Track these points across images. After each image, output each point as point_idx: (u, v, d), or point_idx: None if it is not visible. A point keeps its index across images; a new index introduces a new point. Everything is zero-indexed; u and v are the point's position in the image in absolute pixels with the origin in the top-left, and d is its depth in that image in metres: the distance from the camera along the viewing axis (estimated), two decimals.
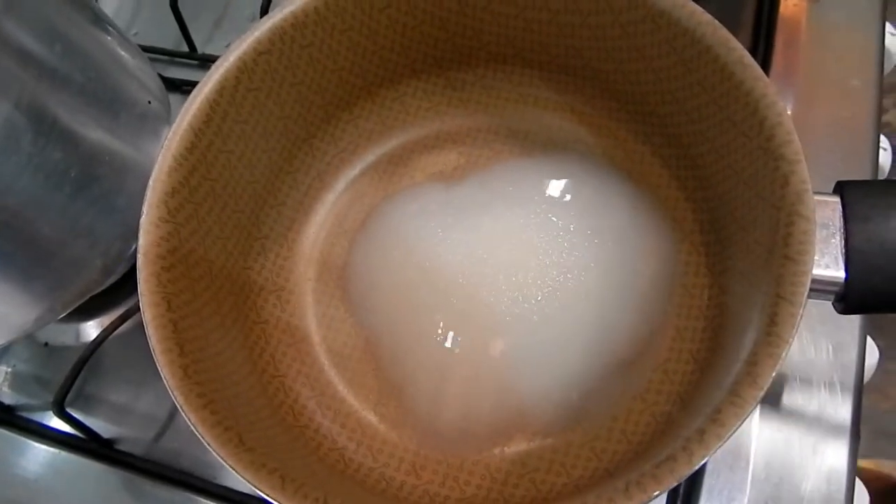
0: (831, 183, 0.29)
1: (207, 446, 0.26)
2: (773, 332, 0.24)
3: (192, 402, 0.27)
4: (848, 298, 0.27)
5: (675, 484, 0.23)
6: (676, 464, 0.23)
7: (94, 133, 0.39)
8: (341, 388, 0.37)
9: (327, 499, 0.25)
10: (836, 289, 0.27)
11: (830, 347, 0.38)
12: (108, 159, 0.40)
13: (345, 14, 0.36)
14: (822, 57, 0.46)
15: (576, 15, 0.35)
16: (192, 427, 0.27)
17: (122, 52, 0.42)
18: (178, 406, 0.27)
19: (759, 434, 0.37)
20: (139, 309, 0.44)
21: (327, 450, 0.34)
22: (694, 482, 0.36)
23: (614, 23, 0.34)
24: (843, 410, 0.37)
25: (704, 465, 0.36)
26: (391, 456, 0.35)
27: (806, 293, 0.25)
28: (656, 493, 0.23)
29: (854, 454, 0.36)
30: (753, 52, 0.46)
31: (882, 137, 0.45)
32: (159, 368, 0.28)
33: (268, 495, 0.25)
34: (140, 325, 0.46)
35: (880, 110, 0.44)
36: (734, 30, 0.30)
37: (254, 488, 0.26)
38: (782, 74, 0.46)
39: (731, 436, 0.23)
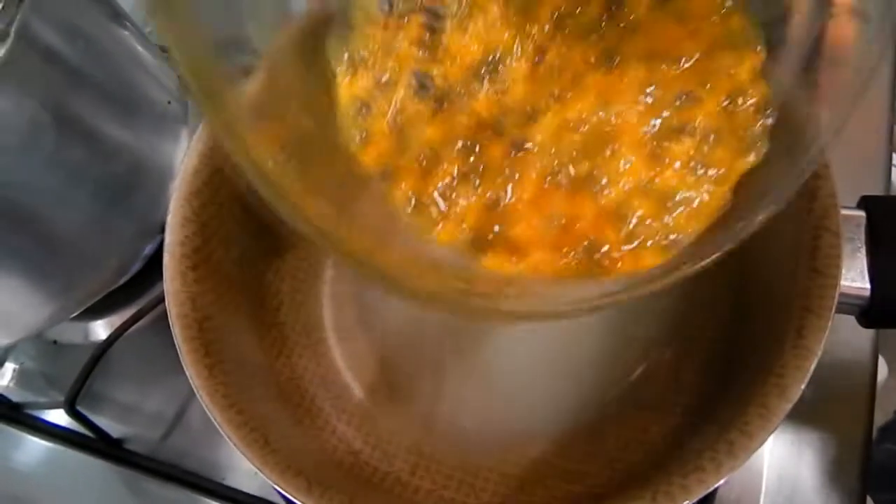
0: (845, 197, 0.30)
1: (234, 447, 0.26)
2: (800, 344, 0.25)
3: (217, 402, 0.27)
4: (872, 312, 0.27)
5: (703, 494, 0.23)
6: (705, 474, 0.23)
7: (115, 132, 0.39)
8: (357, 392, 0.37)
9: (352, 502, 0.25)
10: (861, 302, 0.27)
11: (842, 362, 0.38)
12: (126, 158, 0.40)
13: None
14: (833, 73, 0.46)
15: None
16: (218, 427, 0.27)
17: (143, 52, 0.42)
18: (204, 406, 0.27)
19: (772, 448, 0.37)
20: (151, 309, 0.44)
21: (343, 453, 0.34)
22: (707, 495, 0.36)
23: None
24: (855, 424, 0.37)
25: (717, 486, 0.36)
26: (406, 461, 0.35)
27: (834, 306, 0.25)
28: (686, 502, 0.23)
29: (866, 467, 0.36)
30: None
31: (895, 155, 0.45)
32: (185, 367, 0.28)
33: (294, 497, 0.25)
34: (149, 326, 0.47)
35: (893, 126, 0.44)
36: None
37: (278, 489, 0.26)
38: None
39: (758, 448, 0.24)
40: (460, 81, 0.22)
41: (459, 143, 0.22)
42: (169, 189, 0.42)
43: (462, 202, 0.22)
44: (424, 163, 0.22)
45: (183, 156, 0.33)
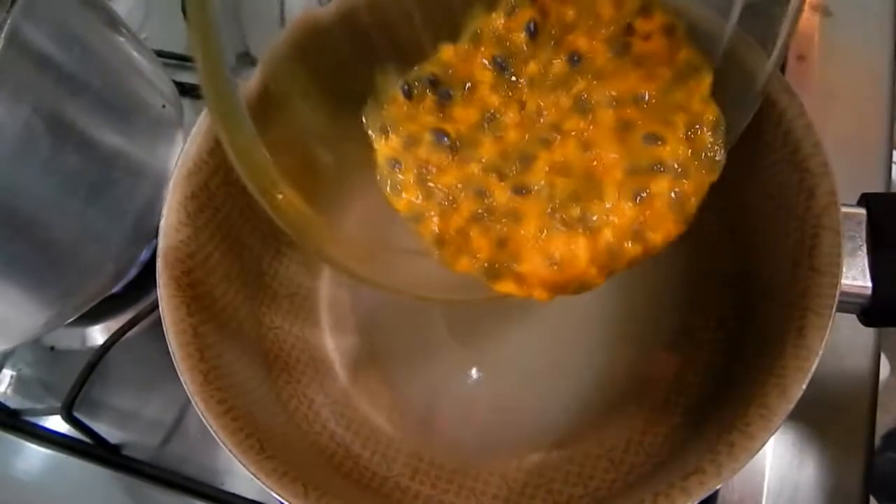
0: (845, 196, 0.29)
1: (230, 453, 0.26)
2: (801, 344, 0.24)
3: (212, 409, 0.27)
4: (874, 311, 0.27)
5: (703, 496, 0.23)
6: (706, 476, 0.23)
7: (110, 137, 0.39)
8: (355, 396, 0.37)
9: None
10: (862, 301, 0.27)
11: (844, 361, 0.38)
12: (122, 163, 0.40)
13: None
14: (834, 71, 0.46)
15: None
16: (213, 434, 0.26)
17: (137, 56, 0.42)
18: (199, 413, 0.27)
19: (774, 449, 0.37)
20: (148, 314, 0.44)
21: (342, 458, 0.34)
22: (708, 497, 0.36)
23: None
24: (856, 425, 0.37)
25: (718, 487, 0.36)
26: (406, 465, 0.34)
27: (835, 305, 0.25)
28: None
29: (868, 468, 0.36)
30: None
31: (895, 152, 0.45)
32: (179, 374, 0.28)
33: (291, 503, 0.25)
34: (146, 331, 0.46)
35: (893, 124, 0.44)
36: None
37: (274, 496, 0.26)
38: (795, 88, 0.46)
39: (759, 449, 0.23)
40: (467, 133, 0.28)
41: (472, 190, 0.27)
42: (164, 193, 0.41)
43: (477, 239, 0.26)
44: (446, 207, 0.27)
45: (177, 159, 0.32)
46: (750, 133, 0.30)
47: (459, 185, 0.27)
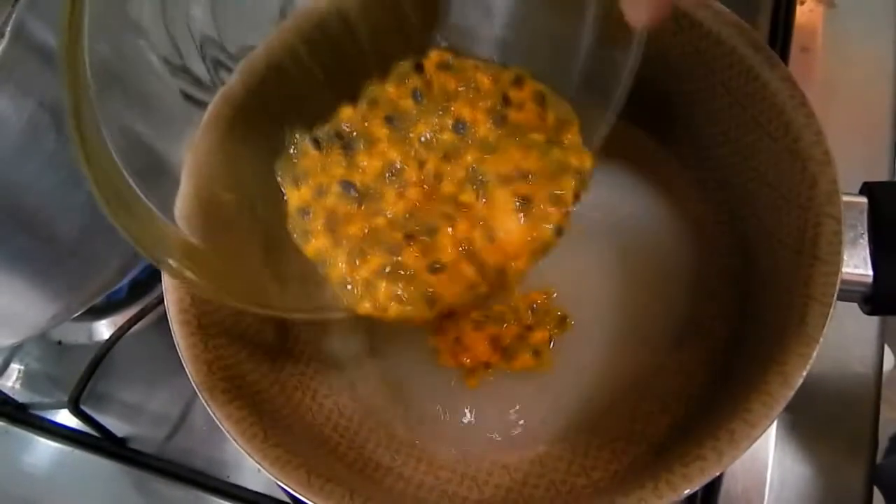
0: (849, 186, 0.29)
1: (234, 441, 0.26)
2: (803, 331, 0.24)
3: (217, 398, 0.27)
4: (875, 299, 0.27)
5: (704, 482, 0.23)
6: (706, 463, 0.23)
7: None
8: (359, 388, 0.37)
9: (353, 495, 0.25)
10: (863, 289, 0.27)
11: (848, 352, 0.38)
12: None
13: None
14: (839, 62, 0.46)
15: None
16: (217, 422, 0.27)
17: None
18: (203, 402, 0.27)
19: (776, 447, 0.37)
20: (153, 308, 0.44)
21: (346, 448, 0.34)
22: (709, 500, 0.36)
23: None
24: (859, 422, 0.37)
25: (722, 479, 0.36)
26: (409, 455, 0.35)
27: (836, 293, 0.25)
28: (687, 491, 0.23)
29: (871, 467, 0.36)
30: None
31: None
32: (184, 364, 0.28)
33: (294, 491, 0.25)
34: (152, 325, 0.47)
35: None
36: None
37: (279, 483, 0.26)
38: (798, 80, 0.46)
39: (760, 436, 0.23)
40: (373, 185, 0.31)
41: (381, 245, 0.29)
42: None
43: (385, 289, 0.29)
44: (353, 256, 0.29)
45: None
46: (752, 123, 0.31)
47: (366, 235, 0.30)
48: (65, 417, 0.46)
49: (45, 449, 0.46)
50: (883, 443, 0.37)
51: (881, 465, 0.36)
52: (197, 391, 0.27)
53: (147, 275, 0.48)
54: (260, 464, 0.26)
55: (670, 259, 0.36)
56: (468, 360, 0.35)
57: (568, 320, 0.36)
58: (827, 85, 0.45)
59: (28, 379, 0.49)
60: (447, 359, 0.36)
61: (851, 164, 0.42)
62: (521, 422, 0.35)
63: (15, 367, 0.50)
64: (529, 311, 0.36)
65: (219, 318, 0.30)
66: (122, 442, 0.45)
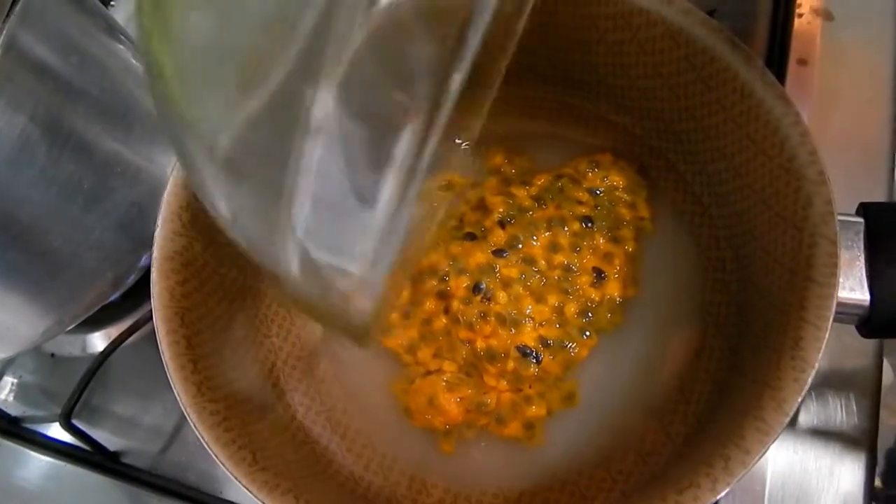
0: (846, 203, 0.29)
1: (221, 466, 0.26)
2: (797, 355, 0.24)
3: (205, 420, 0.27)
4: (872, 322, 0.26)
5: None
6: (700, 491, 0.23)
7: (108, 145, 0.39)
8: (350, 407, 0.36)
9: None
10: (860, 312, 0.26)
11: (847, 367, 0.38)
12: (120, 171, 0.40)
13: None
14: (837, 75, 0.46)
15: (593, 32, 0.35)
16: (205, 446, 0.26)
17: (136, 63, 0.42)
18: (191, 424, 0.27)
19: (775, 455, 0.36)
20: (147, 321, 0.44)
21: (337, 467, 0.34)
22: None
23: (632, 40, 0.34)
24: (859, 431, 0.37)
25: None
26: (402, 474, 0.34)
27: (831, 317, 0.24)
28: None
29: (871, 474, 0.36)
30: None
31: None
32: (173, 386, 0.28)
33: None
34: (147, 338, 0.46)
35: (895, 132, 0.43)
36: (747, 47, 0.30)
37: None
38: (796, 92, 0.45)
39: (755, 463, 0.23)
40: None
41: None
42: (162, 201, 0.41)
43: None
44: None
45: (173, 167, 0.32)
46: (746, 140, 0.30)
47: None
48: (57, 431, 0.46)
49: (37, 463, 0.46)
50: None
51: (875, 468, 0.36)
52: (185, 413, 0.27)
53: (142, 286, 0.48)
54: (247, 488, 0.25)
55: (670, 277, 0.36)
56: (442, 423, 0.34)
57: (576, 397, 0.34)
58: (825, 97, 0.45)
59: (21, 392, 0.49)
60: (420, 419, 0.34)
61: (849, 179, 0.42)
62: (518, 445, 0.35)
63: (8, 380, 0.49)
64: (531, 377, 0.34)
65: (209, 338, 0.30)
66: (114, 456, 0.45)
